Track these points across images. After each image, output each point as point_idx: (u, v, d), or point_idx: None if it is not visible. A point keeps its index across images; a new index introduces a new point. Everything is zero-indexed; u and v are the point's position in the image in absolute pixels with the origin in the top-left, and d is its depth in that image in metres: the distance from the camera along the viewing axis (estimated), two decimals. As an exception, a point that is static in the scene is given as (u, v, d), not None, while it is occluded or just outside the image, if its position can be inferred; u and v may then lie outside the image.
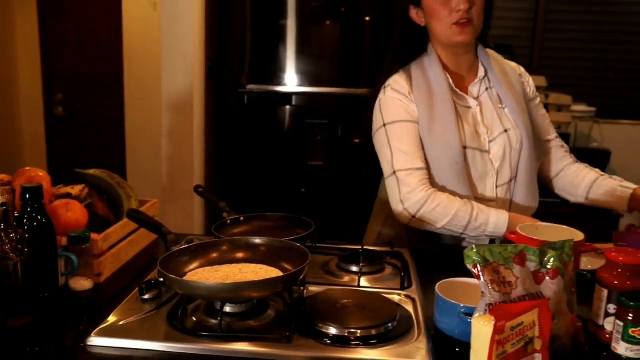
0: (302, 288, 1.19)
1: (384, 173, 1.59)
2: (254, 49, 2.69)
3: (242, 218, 1.47)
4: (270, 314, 1.09)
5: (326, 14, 2.66)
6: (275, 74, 2.67)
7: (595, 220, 2.15)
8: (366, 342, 1.00)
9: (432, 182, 1.53)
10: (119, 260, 1.34)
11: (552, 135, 1.70)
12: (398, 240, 1.57)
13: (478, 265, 0.95)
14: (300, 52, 2.67)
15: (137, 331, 1.02)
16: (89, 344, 0.98)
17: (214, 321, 1.04)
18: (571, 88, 3.21)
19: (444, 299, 1.04)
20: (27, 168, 1.36)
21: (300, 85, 2.67)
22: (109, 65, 3.95)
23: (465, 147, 1.51)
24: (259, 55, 2.69)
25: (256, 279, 1.08)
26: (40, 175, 1.31)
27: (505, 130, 1.55)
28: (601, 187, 1.60)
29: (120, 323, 1.05)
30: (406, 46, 1.61)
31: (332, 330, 1.02)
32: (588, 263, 1.31)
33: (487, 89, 1.59)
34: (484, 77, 1.59)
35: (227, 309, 1.06)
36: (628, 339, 0.97)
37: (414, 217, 1.48)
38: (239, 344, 0.98)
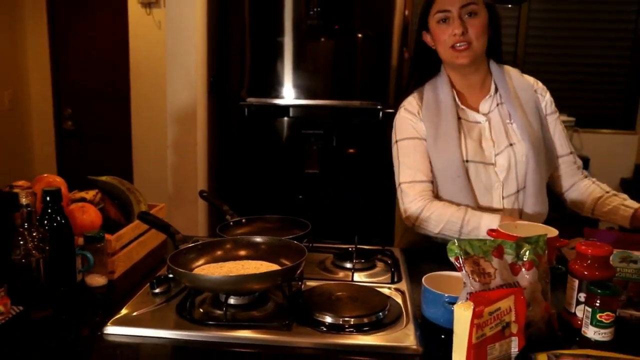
0: (300, 283, 1.23)
1: None
2: (252, 64, 2.71)
3: (243, 220, 1.52)
4: (271, 305, 1.13)
5: (321, 31, 2.67)
6: (273, 87, 2.68)
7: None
8: (359, 329, 1.05)
9: (439, 194, 1.57)
10: (130, 259, 1.39)
11: (565, 151, 1.65)
12: (418, 244, 1.62)
13: (460, 258, 1.00)
14: (297, 67, 2.68)
15: (149, 321, 1.07)
16: (105, 332, 1.03)
17: (219, 312, 1.09)
18: (552, 98, 3.26)
19: (430, 290, 1.09)
20: (45, 175, 1.41)
21: (297, 98, 2.67)
22: (115, 82, 3.98)
23: (467, 161, 1.54)
24: (258, 70, 2.71)
25: (257, 273, 1.13)
26: (58, 180, 1.36)
27: (511, 144, 1.55)
28: (605, 205, 1.58)
29: (134, 314, 1.09)
30: (419, 68, 1.65)
31: (328, 319, 1.06)
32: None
33: (498, 105, 1.59)
34: (495, 94, 1.60)
35: (231, 300, 1.11)
36: (596, 323, 1.02)
37: (414, 224, 1.54)
38: (243, 331, 1.03)
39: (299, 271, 1.16)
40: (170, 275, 1.21)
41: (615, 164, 3.38)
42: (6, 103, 3.92)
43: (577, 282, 1.09)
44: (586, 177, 1.68)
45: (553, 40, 3.43)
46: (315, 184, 2.67)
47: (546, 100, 1.64)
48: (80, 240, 1.24)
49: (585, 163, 3.23)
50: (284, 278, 1.11)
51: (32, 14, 4.02)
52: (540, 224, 1.34)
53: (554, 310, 1.08)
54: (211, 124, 2.87)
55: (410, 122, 1.60)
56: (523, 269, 1.04)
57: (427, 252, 1.54)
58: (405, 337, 1.03)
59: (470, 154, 1.54)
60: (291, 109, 2.67)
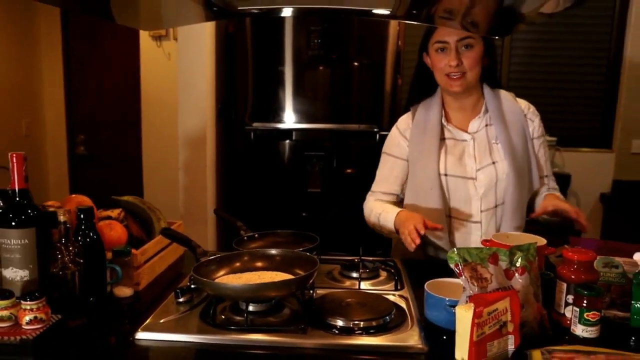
0: (311, 291, 1.27)
1: None
2: (257, 92, 2.76)
3: (256, 235, 1.56)
4: (286, 312, 1.17)
5: (319, 61, 2.72)
6: (276, 113, 2.73)
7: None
8: (368, 331, 1.09)
9: (415, 203, 1.64)
10: (153, 272, 1.42)
11: (543, 173, 1.69)
12: (409, 252, 1.65)
13: (459, 265, 1.05)
14: (298, 93, 2.73)
15: (175, 327, 1.11)
16: (136, 337, 1.07)
17: (239, 318, 1.13)
18: None
19: (432, 295, 1.14)
20: (74, 195, 1.46)
21: (299, 122, 2.72)
22: (127, 109, 4.03)
23: (446, 175, 1.60)
24: (262, 97, 2.76)
25: (274, 282, 1.17)
26: (87, 200, 1.41)
27: (494, 162, 1.60)
28: (539, 199, 1.67)
29: (161, 321, 1.13)
30: (416, 88, 1.72)
31: (339, 323, 1.10)
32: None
33: (486, 125, 1.63)
34: (485, 115, 1.64)
35: (250, 307, 1.15)
36: (584, 321, 1.07)
37: (366, 221, 1.72)
38: (262, 335, 1.07)
39: (311, 280, 1.20)
40: (193, 286, 1.25)
41: (595, 180, 3.42)
42: (24, 130, 3.97)
43: (565, 285, 1.14)
44: (548, 190, 1.71)
45: (534, 67, 3.49)
46: (317, 202, 2.72)
47: (535, 124, 1.66)
48: (109, 255, 1.28)
49: (567, 180, 3.27)
50: (298, 286, 1.16)
51: (47, 47, 4.10)
52: (530, 234, 1.39)
53: (545, 311, 1.12)
54: (219, 147, 2.91)
55: (396, 139, 1.71)
56: (516, 274, 1.09)
57: (422, 263, 1.62)
58: (411, 337, 1.07)
59: (449, 168, 1.60)
60: (294, 133, 2.72)
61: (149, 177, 3.77)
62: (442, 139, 1.64)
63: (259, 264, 1.28)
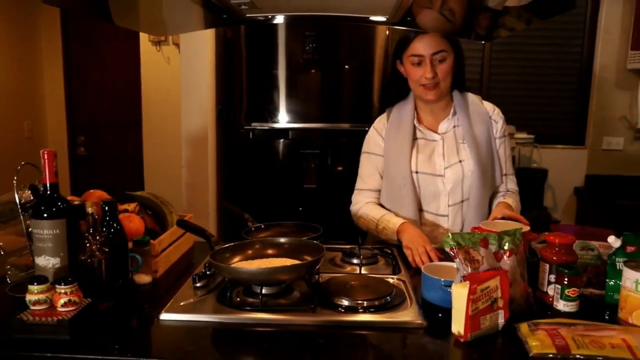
0: (317, 276, 1.32)
1: None
2: (254, 93, 2.80)
3: (262, 226, 1.62)
4: (296, 294, 1.23)
5: (311, 65, 2.77)
6: (273, 113, 2.77)
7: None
8: (371, 310, 1.15)
9: (388, 198, 1.72)
10: (168, 261, 1.47)
11: (503, 172, 1.75)
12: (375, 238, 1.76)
13: (454, 248, 1.11)
14: (293, 95, 2.77)
15: (195, 308, 1.16)
16: (161, 318, 1.12)
17: (252, 300, 1.18)
18: (514, 120, 3.37)
19: (429, 276, 1.21)
20: (92, 190, 1.50)
21: (294, 122, 2.76)
22: (127, 111, 4.04)
23: (417, 172, 1.68)
24: (259, 99, 2.79)
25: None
26: (105, 195, 1.45)
27: (460, 161, 1.68)
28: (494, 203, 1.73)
29: (181, 304, 1.18)
30: (391, 92, 1.79)
31: (345, 302, 1.16)
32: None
33: (454, 127, 1.71)
34: (453, 117, 1.71)
35: (263, 290, 1.21)
36: (565, 297, 1.15)
37: (353, 219, 1.79)
38: (276, 315, 1.13)
39: (318, 265, 1.25)
40: (208, 272, 1.30)
41: (570, 175, 3.50)
42: (26, 132, 3.97)
43: (547, 266, 1.22)
44: (506, 192, 1.76)
45: (513, 69, 3.57)
46: (313, 197, 2.76)
47: (498, 125, 1.73)
48: (130, 245, 1.32)
49: (544, 174, 3.37)
50: (307, 270, 1.21)
51: (48, 52, 4.10)
52: (514, 222, 1.47)
53: (530, 289, 1.20)
54: (220, 146, 2.94)
55: (374, 138, 1.78)
56: (505, 256, 1.16)
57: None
58: (411, 314, 1.14)
59: (420, 166, 1.68)
60: (290, 132, 2.76)
61: (150, 175, 3.80)
62: (415, 138, 1.71)
63: (270, 252, 1.34)
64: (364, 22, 1.53)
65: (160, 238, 1.42)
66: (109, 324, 1.11)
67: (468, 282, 1.03)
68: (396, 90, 1.77)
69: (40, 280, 1.06)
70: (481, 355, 0.99)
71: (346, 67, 2.83)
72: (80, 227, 1.18)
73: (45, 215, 1.12)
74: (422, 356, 1.02)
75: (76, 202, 1.27)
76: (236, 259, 1.30)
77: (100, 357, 0.96)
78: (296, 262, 1.28)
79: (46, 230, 1.12)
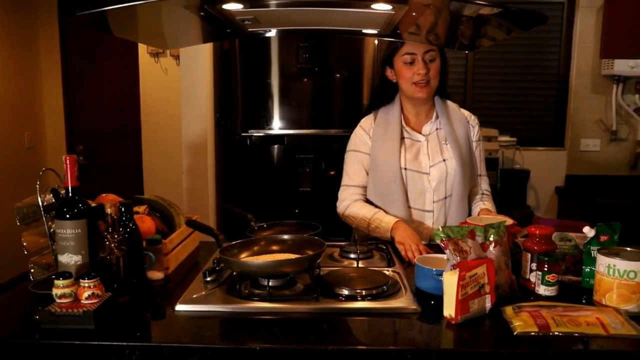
0: (317, 270, 1.39)
1: None
2: (250, 102, 2.86)
3: (265, 225, 1.69)
4: (300, 286, 1.30)
5: (304, 73, 2.83)
6: (268, 120, 2.83)
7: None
8: (369, 298, 1.22)
9: (377, 194, 1.79)
10: (177, 259, 1.54)
11: (478, 172, 1.87)
12: (370, 235, 1.81)
13: (444, 240, 1.20)
14: (286, 103, 2.83)
15: (207, 300, 1.22)
16: (176, 309, 1.19)
17: (259, 291, 1.25)
18: (497, 123, 3.46)
19: (422, 267, 1.28)
20: (104, 195, 1.56)
21: (288, 128, 2.83)
22: (126, 121, 4.07)
23: (405, 169, 1.76)
24: (255, 107, 2.85)
25: (289, 261, 1.30)
26: (118, 198, 1.52)
27: (444, 160, 1.77)
28: (474, 207, 1.86)
29: (194, 296, 1.24)
30: (378, 96, 1.88)
31: (345, 292, 1.24)
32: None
33: (437, 129, 1.81)
34: (435, 120, 1.82)
35: (270, 282, 1.28)
36: (545, 282, 1.24)
37: (341, 216, 1.84)
38: (282, 304, 1.20)
39: (319, 259, 1.33)
40: (217, 268, 1.37)
41: (550, 175, 3.60)
42: (26, 142, 4.01)
43: (529, 255, 1.30)
44: (482, 195, 1.88)
45: (495, 77, 3.67)
46: (308, 200, 2.83)
47: (475, 130, 1.86)
48: (144, 243, 1.39)
49: (527, 175, 3.46)
50: (309, 263, 1.29)
51: (47, 64, 4.14)
52: (499, 216, 1.56)
53: (514, 277, 1.28)
54: (218, 152, 3.00)
55: (361, 137, 1.84)
56: (490, 247, 1.24)
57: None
58: (406, 301, 1.21)
59: (408, 164, 1.76)
60: (285, 138, 2.83)
61: (150, 182, 3.84)
62: (402, 138, 1.79)
63: (274, 247, 1.41)
64: (356, 34, 1.61)
65: (170, 237, 1.49)
66: (129, 316, 1.17)
67: (458, 269, 1.11)
68: (384, 94, 1.85)
69: (66, 275, 1.12)
70: (471, 336, 1.07)
71: (337, 75, 2.90)
72: (100, 227, 1.25)
73: (67, 216, 1.18)
74: (417, 337, 1.10)
75: (93, 205, 1.33)
76: (244, 255, 1.37)
77: (125, 343, 1.03)
78: (299, 256, 1.35)
79: (69, 230, 1.18)
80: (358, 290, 1.24)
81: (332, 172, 2.84)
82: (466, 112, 1.89)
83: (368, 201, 1.83)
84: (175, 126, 3.44)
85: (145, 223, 1.47)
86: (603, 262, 1.17)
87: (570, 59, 3.58)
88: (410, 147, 1.79)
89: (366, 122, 1.87)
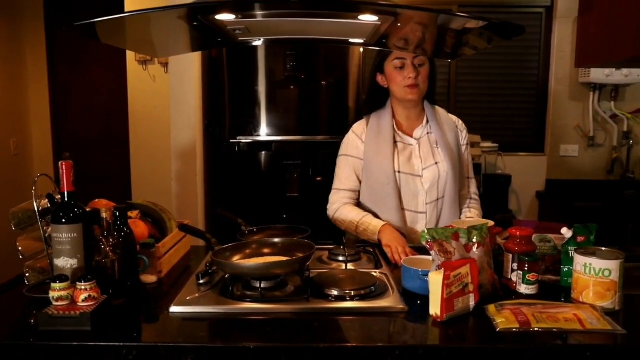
0: (307, 272, 1.42)
1: None
2: (238, 109, 2.88)
3: (255, 229, 1.72)
4: (290, 288, 1.33)
5: (291, 81, 2.85)
6: (255, 127, 2.84)
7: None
8: (357, 298, 1.26)
9: (372, 197, 1.82)
10: (170, 263, 1.56)
11: (466, 175, 1.94)
12: (360, 239, 1.85)
13: (430, 242, 1.24)
14: (273, 110, 2.86)
15: (200, 301, 1.25)
16: (170, 311, 1.21)
17: (251, 293, 1.28)
18: (480, 130, 3.52)
19: (409, 268, 1.32)
20: (97, 200, 1.58)
21: (276, 135, 2.84)
22: (113, 128, 4.08)
23: (399, 172, 1.80)
24: (242, 114, 2.87)
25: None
26: (111, 203, 1.53)
27: (436, 163, 1.82)
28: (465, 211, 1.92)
29: (187, 298, 1.27)
30: (370, 102, 1.92)
31: (335, 292, 1.28)
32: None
33: (427, 133, 1.86)
34: (426, 125, 1.87)
35: (262, 284, 1.31)
36: (526, 281, 1.29)
37: (331, 219, 1.87)
38: (274, 304, 1.23)
39: (309, 261, 1.36)
40: (210, 270, 1.40)
41: (531, 180, 3.67)
42: (12, 149, 3.98)
43: (511, 255, 1.35)
44: (471, 201, 1.95)
45: (477, 84, 3.74)
46: (296, 205, 2.85)
47: (463, 134, 1.93)
48: (137, 247, 1.41)
49: (509, 180, 3.53)
50: (300, 265, 1.32)
51: (33, 72, 4.13)
52: (481, 219, 1.61)
53: (496, 277, 1.33)
54: (207, 158, 3.01)
55: (353, 142, 1.88)
56: (473, 248, 1.29)
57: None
58: (394, 301, 1.25)
59: (401, 167, 1.81)
60: (273, 144, 2.85)
61: (138, 188, 3.83)
62: (394, 142, 1.84)
63: (265, 250, 1.44)
64: (343, 44, 1.66)
65: (163, 241, 1.51)
66: (124, 317, 1.20)
67: (443, 269, 1.15)
68: (376, 100, 1.90)
69: (62, 278, 1.14)
70: (456, 332, 1.11)
71: (323, 82, 2.93)
72: (95, 231, 1.27)
73: (64, 220, 1.20)
74: (405, 335, 1.14)
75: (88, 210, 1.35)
76: (236, 257, 1.40)
77: (122, 344, 1.05)
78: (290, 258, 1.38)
79: (65, 234, 1.20)
80: (347, 291, 1.28)
81: (319, 178, 2.87)
82: (454, 117, 1.95)
83: (359, 205, 1.87)
84: (164, 133, 3.45)
85: (139, 227, 1.49)
86: (580, 261, 1.22)
87: (549, 67, 3.67)
88: (402, 150, 1.83)
89: (359, 126, 1.90)
